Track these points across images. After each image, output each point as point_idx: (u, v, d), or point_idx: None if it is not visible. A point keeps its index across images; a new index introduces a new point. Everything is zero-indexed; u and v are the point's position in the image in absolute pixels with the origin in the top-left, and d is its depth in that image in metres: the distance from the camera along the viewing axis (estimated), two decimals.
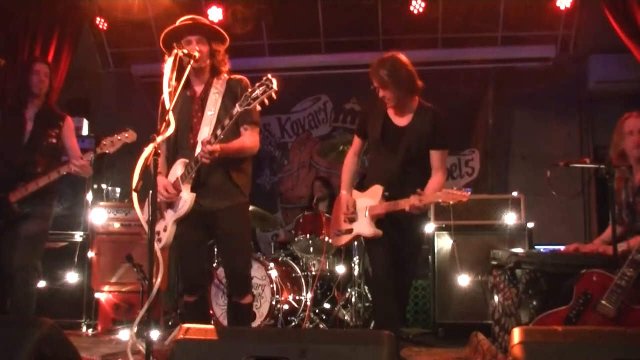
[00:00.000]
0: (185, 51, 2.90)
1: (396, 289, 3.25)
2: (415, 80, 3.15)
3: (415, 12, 5.92)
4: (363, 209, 3.29)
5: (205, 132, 2.97)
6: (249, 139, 3.07)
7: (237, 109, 2.76)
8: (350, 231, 3.39)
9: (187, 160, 2.99)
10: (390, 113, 3.27)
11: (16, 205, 3.58)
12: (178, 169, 3.01)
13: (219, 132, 2.82)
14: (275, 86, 2.65)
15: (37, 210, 3.67)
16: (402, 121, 3.24)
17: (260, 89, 2.68)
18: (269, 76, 2.67)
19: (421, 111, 3.21)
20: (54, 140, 3.78)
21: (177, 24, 3.09)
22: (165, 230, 3.04)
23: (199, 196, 2.98)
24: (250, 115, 2.99)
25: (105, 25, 6.34)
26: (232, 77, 3.13)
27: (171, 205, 3.02)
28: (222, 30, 3.12)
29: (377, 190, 3.24)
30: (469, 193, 2.92)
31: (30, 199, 3.60)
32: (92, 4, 6.04)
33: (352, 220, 3.37)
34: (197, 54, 2.95)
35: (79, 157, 3.68)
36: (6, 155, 3.70)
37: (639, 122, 3.32)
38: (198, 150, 2.90)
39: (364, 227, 3.28)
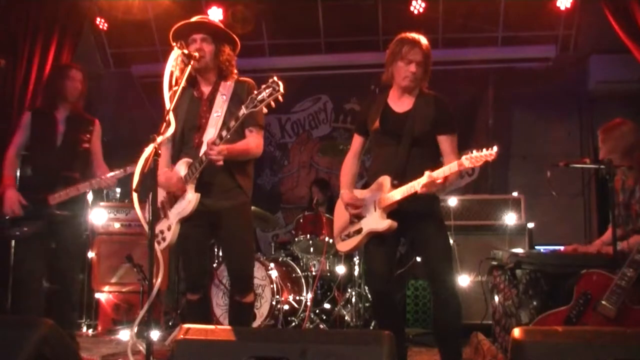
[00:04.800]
0: (186, 51, 2.90)
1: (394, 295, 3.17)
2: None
3: (415, 12, 5.93)
4: (370, 204, 3.07)
5: (210, 132, 2.97)
6: (254, 141, 3.07)
7: (243, 110, 2.76)
8: (359, 231, 3.10)
9: (191, 160, 2.99)
10: (391, 101, 3.15)
11: (54, 208, 3.63)
12: (181, 168, 3.01)
13: (224, 133, 2.83)
14: (281, 89, 2.66)
15: (75, 215, 3.75)
16: (402, 107, 3.11)
17: (267, 91, 2.69)
18: (275, 78, 2.67)
19: (422, 96, 3.11)
20: (87, 145, 3.86)
21: (192, 20, 3.10)
22: (169, 229, 3.04)
23: (202, 195, 2.98)
24: (255, 117, 2.99)
25: (105, 25, 6.34)
26: (239, 79, 3.13)
27: (174, 204, 3.02)
28: (231, 32, 3.11)
29: (384, 180, 3.00)
30: (496, 150, 2.66)
31: (67, 203, 3.66)
32: (92, 4, 6.04)
33: (360, 218, 3.11)
34: (196, 54, 2.95)
35: (102, 165, 3.85)
36: (41, 157, 3.77)
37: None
38: (203, 150, 2.90)
39: (375, 221, 3.02)
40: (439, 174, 2.76)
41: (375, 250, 3.12)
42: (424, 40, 3.06)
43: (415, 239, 3.12)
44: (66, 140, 3.78)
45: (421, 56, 3.02)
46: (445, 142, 3.05)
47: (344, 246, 3.25)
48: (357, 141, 3.30)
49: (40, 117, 3.83)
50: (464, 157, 2.73)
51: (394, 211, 3.01)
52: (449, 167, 2.77)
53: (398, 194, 2.93)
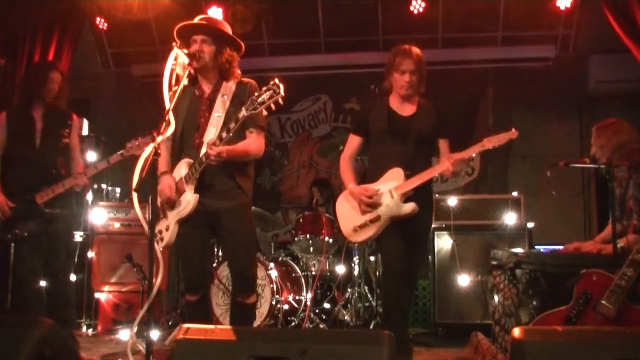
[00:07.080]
0: (185, 51, 2.90)
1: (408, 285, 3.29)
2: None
3: (415, 12, 5.92)
4: (387, 193, 3.23)
5: (211, 133, 2.97)
6: (254, 142, 3.08)
7: (244, 112, 2.78)
8: (377, 219, 3.22)
9: (192, 161, 2.99)
10: (394, 106, 3.40)
11: (43, 207, 3.62)
12: (182, 169, 3.02)
13: (224, 134, 2.83)
14: (282, 91, 2.67)
15: (66, 212, 3.74)
16: (406, 112, 3.39)
17: (267, 93, 2.70)
18: (276, 81, 2.68)
19: (422, 104, 3.42)
20: (67, 140, 3.83)
21: (194, 22, 3.11)
22: (167, 229, 3.04)
23: (202, 196, 2.99)
24: (256, 119, 3.00)
25: (105, 25, 6.34)
26: (241, 80, 3.14)
27: (174, 205, 3.02)
28: (231, 34, 3.12)
29: (397, 172, 3.26)
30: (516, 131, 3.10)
31: (55, 200, 3.66)
32: (92, 4, 6.04)
33: (375, 207, 3.23)
34: (196, 54, 2.95)
35: (79, 161, 3.83)
36: (22, 157, 3.72)
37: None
38: (203, 151, 2.90)
39: (397, 207, 3.20)
40: (469, 152, 3.20)
41: (390, 237, 3.28)
42: (415, 49, 3.34)
43: (409, 228, 3.27)
44: (45, 137, 3.74)
45: (413, 65, 3.29)
46: (444, 145, 3.42)
47: (359, 237, 3.35)
48: (355, 141, 3.49)
49: (16, 117, 3.78)
50: (485, 140, 3.16)
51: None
52: (472, 149, 3.19)
53: (417, 180, 3.19)
